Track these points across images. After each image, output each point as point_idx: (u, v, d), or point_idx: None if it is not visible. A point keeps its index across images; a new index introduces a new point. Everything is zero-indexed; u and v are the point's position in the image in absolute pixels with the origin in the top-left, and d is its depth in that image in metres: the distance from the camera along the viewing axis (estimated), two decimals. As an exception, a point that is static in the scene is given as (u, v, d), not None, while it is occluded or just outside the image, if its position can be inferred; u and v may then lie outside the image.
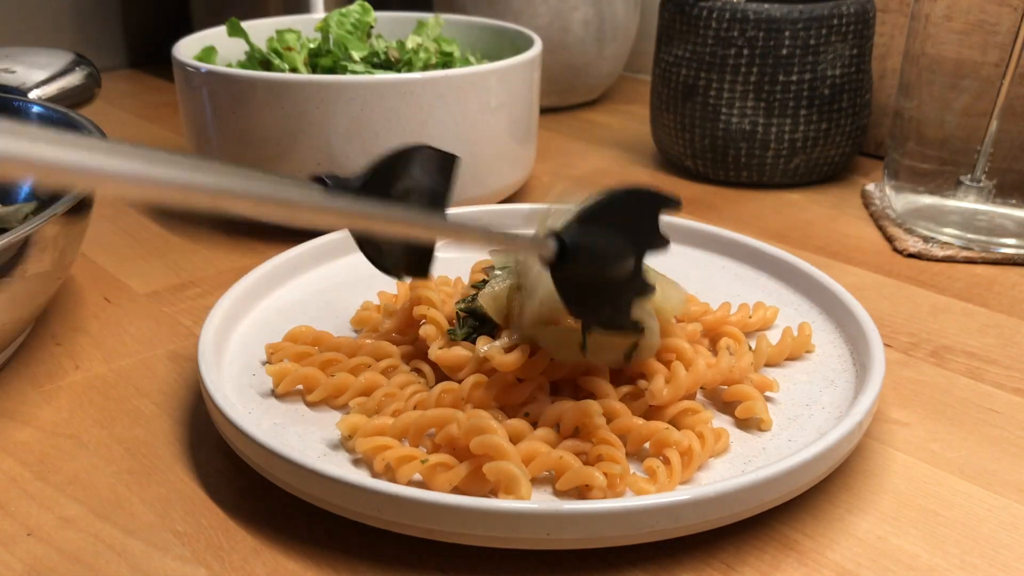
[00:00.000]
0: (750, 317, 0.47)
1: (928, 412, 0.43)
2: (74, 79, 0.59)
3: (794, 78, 0.67)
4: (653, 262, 0.39)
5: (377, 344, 0.43)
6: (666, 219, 0.37)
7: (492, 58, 0.70)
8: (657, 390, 0.39)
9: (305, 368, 0.41)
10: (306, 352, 0.43)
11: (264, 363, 0.44)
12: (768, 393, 0.41)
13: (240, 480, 0.38)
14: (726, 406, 0.41)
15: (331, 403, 0.41)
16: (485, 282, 0.43)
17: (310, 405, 0.41)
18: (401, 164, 0.31)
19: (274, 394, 0.41)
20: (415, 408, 0.39)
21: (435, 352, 0.40)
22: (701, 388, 0.41)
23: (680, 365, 0.39)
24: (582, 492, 0.35)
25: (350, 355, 0.43)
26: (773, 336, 0.46)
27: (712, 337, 0.46)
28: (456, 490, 0.35)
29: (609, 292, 0.36)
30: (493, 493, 0.35)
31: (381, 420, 0.38)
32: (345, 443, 0.38)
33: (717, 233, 0.54)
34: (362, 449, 0.36)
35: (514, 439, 0.37)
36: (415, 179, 0.32)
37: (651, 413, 0.39)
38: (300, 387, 0.41)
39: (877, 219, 0.65)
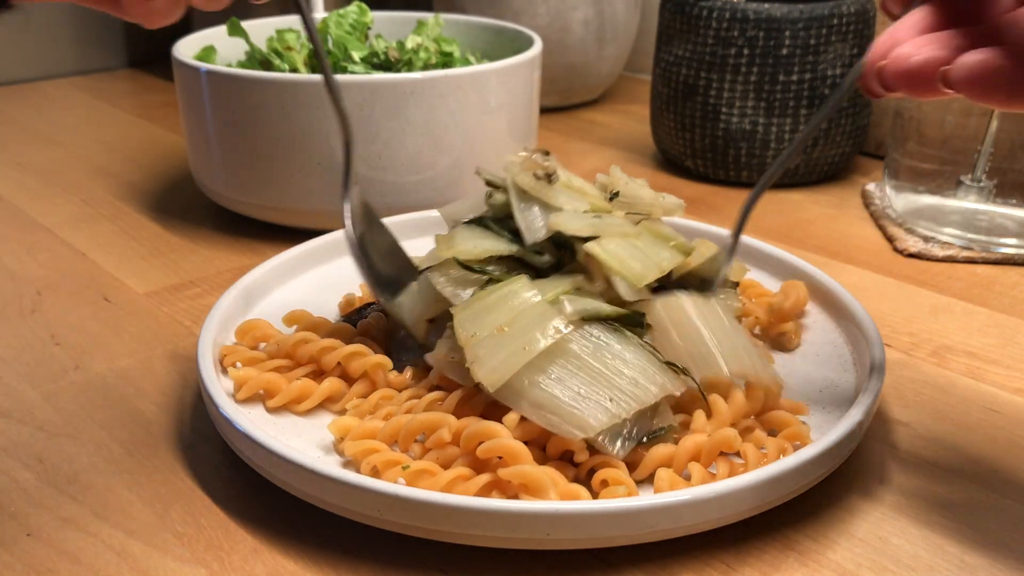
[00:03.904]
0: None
1: (928, 412, 0.43)
2: None
3: (794, 78, 0.67)
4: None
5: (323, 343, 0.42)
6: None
7: (492, 58, 0.70)
8: (699, 428, 0.37)
9: (266, 374, 0.40)
10: (257, 357, 0.42)
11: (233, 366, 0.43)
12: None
13: (240, 480, 0.38)
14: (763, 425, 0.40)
15: (328, 407, 0.41)
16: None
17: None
18: None
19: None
20: (407, 412, 0.38)
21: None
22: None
23: (719, 398, 0.38)
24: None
25: (295, 357, 0.42)
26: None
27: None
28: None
29: None
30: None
31: (372, 423, 0.37)
32: (336, 445, 0.38)
33: (718, 233, 0.54)
34: (350, 452, 0.36)
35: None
36: None
37: None
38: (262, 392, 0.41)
39: (877, 219, 0.65)
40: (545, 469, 0.34)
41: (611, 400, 0.35)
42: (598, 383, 0.36)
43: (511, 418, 0.36)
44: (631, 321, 0.38)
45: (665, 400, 0.38)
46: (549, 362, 0.36)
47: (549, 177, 0.41)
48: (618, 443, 0.36)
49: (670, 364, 0.38)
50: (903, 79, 0.31)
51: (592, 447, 0.36)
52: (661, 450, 0.36)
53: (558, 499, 0.33)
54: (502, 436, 0.35)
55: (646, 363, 0.37)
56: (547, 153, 0.43)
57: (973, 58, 0.29)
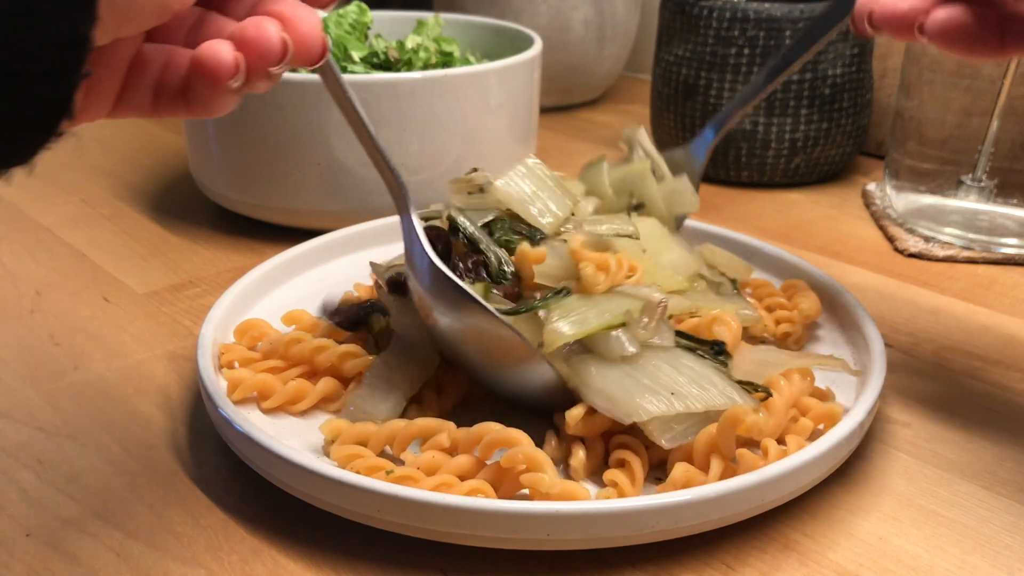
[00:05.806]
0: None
1: (929, 412, 0.43)
2: None
3: (794, 78, 0.67)
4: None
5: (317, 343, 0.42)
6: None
7: (492, 58, 0.70)
8: (762, 423, 0.36)
9: (260, 375, 0.40)
10: (253, 357, 0.42)
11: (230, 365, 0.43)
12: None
13: (240, 480, 0.38)
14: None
15: (324, 407, 0.41)
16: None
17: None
18: None
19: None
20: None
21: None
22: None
23: (779, 382, 0.38)
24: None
25: (291, 358, 0.42)
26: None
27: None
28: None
29: None
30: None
31: (365, 426, 0.37)
32: (325, 448, 0.38)
33: (718, 233, 0.54)
34: (335, 456, 0.36)
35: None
36: None
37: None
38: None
39: (878, 219, 0.65)
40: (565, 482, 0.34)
41: (673, 394, 0.36)
42: (667, 380, 0.36)
43: (575, 413, 0.36)
44: (710, 350, 0.39)
45: None
46: (620, 364, 0.37)
47: (481, 189, 0.43)
48: (668, 435, 0.36)
49: (744, 383, 0.38)
50: (888, 22, 0.37)
51: (642, 436, 0.36)
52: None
53: (554, 474, 0.34)
54: (523, 444, 0.35)
55: (718, 378, 0.37)
56: (475, 170, 0.45)
57: (944, 13, 0.35)
